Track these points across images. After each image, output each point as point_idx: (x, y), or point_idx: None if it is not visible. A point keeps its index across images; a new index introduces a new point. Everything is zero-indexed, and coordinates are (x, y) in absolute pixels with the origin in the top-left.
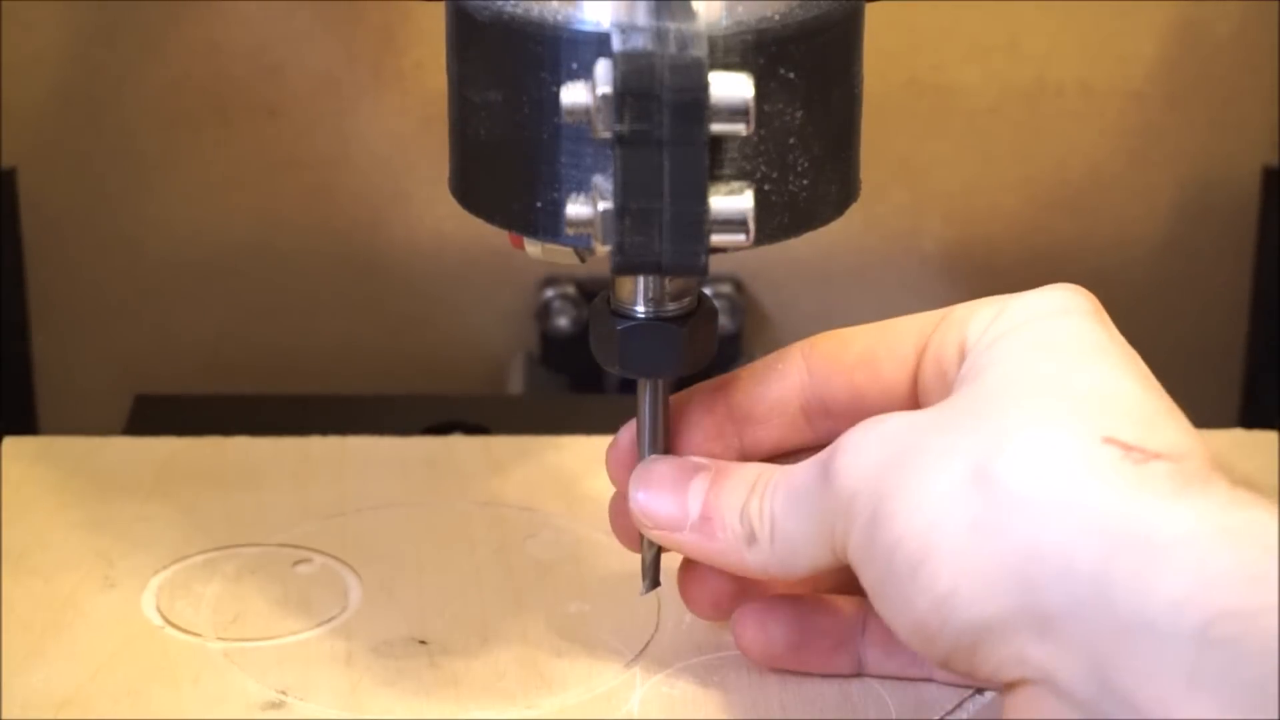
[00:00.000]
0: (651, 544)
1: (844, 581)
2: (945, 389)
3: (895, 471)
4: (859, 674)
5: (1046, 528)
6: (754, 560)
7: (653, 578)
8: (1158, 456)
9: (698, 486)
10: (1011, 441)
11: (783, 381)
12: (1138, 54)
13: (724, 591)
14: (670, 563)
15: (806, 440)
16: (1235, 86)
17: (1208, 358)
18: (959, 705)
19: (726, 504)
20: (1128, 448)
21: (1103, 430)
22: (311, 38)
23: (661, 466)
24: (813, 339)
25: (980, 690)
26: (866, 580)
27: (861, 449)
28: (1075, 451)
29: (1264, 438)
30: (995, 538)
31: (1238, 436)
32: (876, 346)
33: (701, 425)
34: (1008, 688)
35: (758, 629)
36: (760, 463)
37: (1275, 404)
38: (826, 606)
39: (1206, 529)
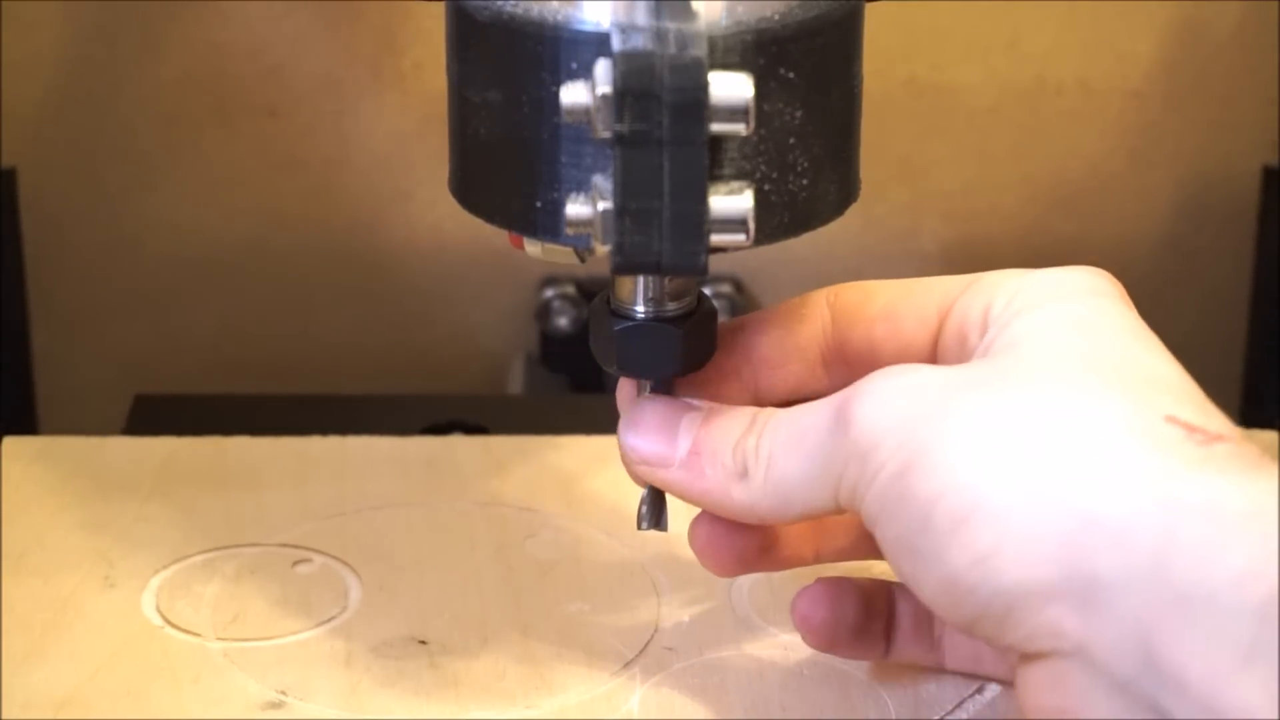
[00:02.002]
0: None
1: (828, 531)
2: (965, 354)
3: (931, 424)
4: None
5: (1106, 496)
6: (742, 498)
7: (653, 516)
8: (1220, 438)
9: (688, 424)
10: (1070, 410)
11: (804, 326)
12: (1138, 54)
13: (738, 544)
14: (672, 551)
15: (822, 387)
16: (1235, 86)
17: (1208, 358)
18: (959, 705)
19: (719, 440)
20: (1190, 428)
21: (1163, 409)
22: (311, 38)
23: (653, 405)
24: (837, 287)
25: (980, 690)
26: (888, 533)
27: (886, 398)
28: (1138, 426)
29: (1264, 438)
30: (1048, 501)
31: None
32: (900, 303)
33: (717, 365)
34: (1030, 658)
35: (829, 609)
36: (754, 407)
37: (1275, 404)
38: (870, 590)
39: (1272, 506)
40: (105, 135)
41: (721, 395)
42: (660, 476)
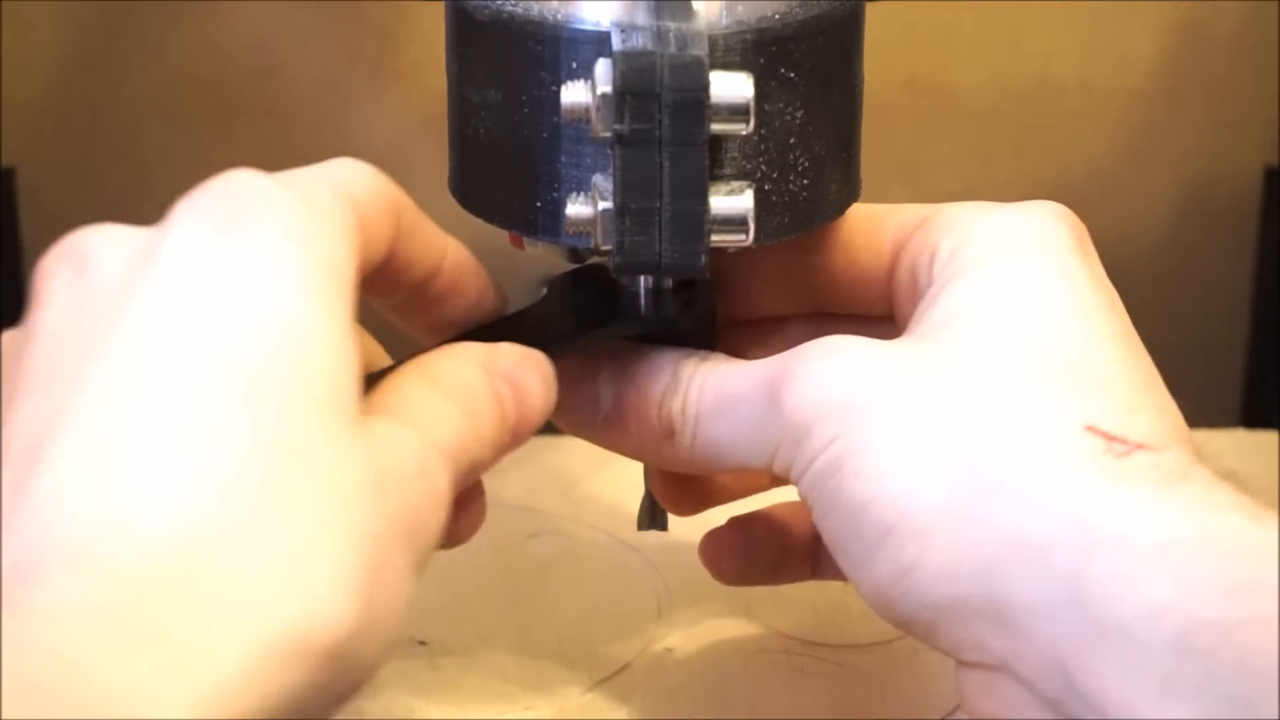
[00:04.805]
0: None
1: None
2: (915, 294)
3: (863, 423)
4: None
5: (1024, 519)
6: (673, 453)
7: (653, 516)
8: (1140, 447)
9: (607, 379)
10: (995, 421)
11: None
12: (1138, 53)
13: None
14: (672, 551)
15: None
16: (1236, 86)
17: (1208, 357)
18: (959, 705)
19: (641, 399)
20: (1110, 438)
21: (1085, 416)
22: (311, 38)
23: (568, 360)
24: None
25: None
26: (823, 525)
27: (819, 383)
28: (1057, 441)
29: (1264, 438)
30: (969, 521)
31: (1238, 436)
32: (856, 233)
33: (772, 282)
34: (965, 665)
35: (738, 556)
36: (674, 351)
37: (1275, 404)
38: (793, 522)
39: (1187, 533)
40: (105, 135)
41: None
42: (585, 434)
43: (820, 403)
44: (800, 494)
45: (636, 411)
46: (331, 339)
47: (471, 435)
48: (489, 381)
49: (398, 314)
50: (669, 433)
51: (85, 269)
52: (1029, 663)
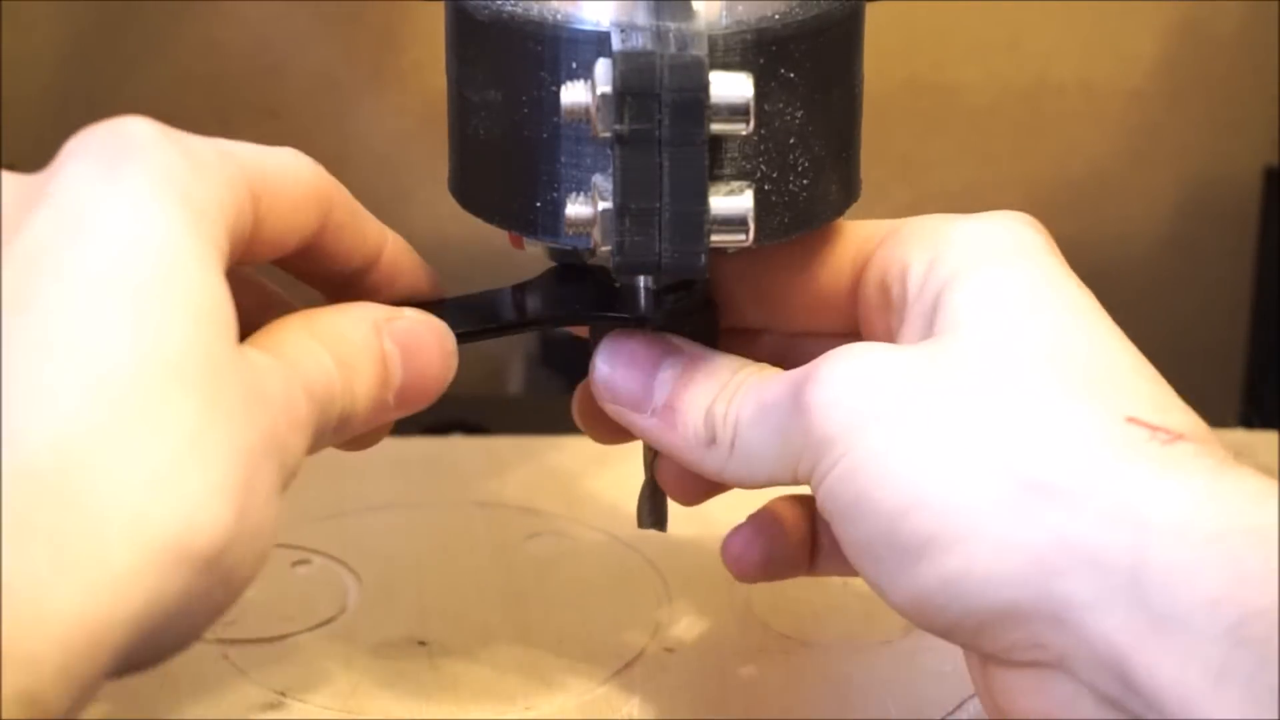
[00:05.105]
0: (649, 474)
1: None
2: (889, 305)
3: (888, 430)
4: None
5: (1074, 516)
6: (711, 462)
7: (653, 515)
8: (1181, 437)
9: (667, 372)
10: (1030, 420)
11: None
12: (1139, 53)
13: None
14: (672, 551)
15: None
16: (1236, 86)
17: (1208, 357)
18: (959, 705)
19: (692, 399)
20: (1153, 428)
21: (1122, 409)
22: (311, 38)
23: (633, 343)
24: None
25: None
26: (848, 534)
27: (839, 386)
28: (1101, 434)
29: (1265, 438)
30: (1016, 522)
31: (1238, 436)
32: (812, 253)
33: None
34: (1011, 665)
35: (761, 553)
36: (739, 360)
37: (1276, 404)
38: (787, 512)
39: (1241, 523)
40: None
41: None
42: (634, 421)
43: (840, 408)
44: (819, 501)
45: (685, 412)
46: (204, 269)
47: (343, 386)
48: (376, 339)
49: (334, 302)
50: (711, 439)
51: None
52: (1085, 660)
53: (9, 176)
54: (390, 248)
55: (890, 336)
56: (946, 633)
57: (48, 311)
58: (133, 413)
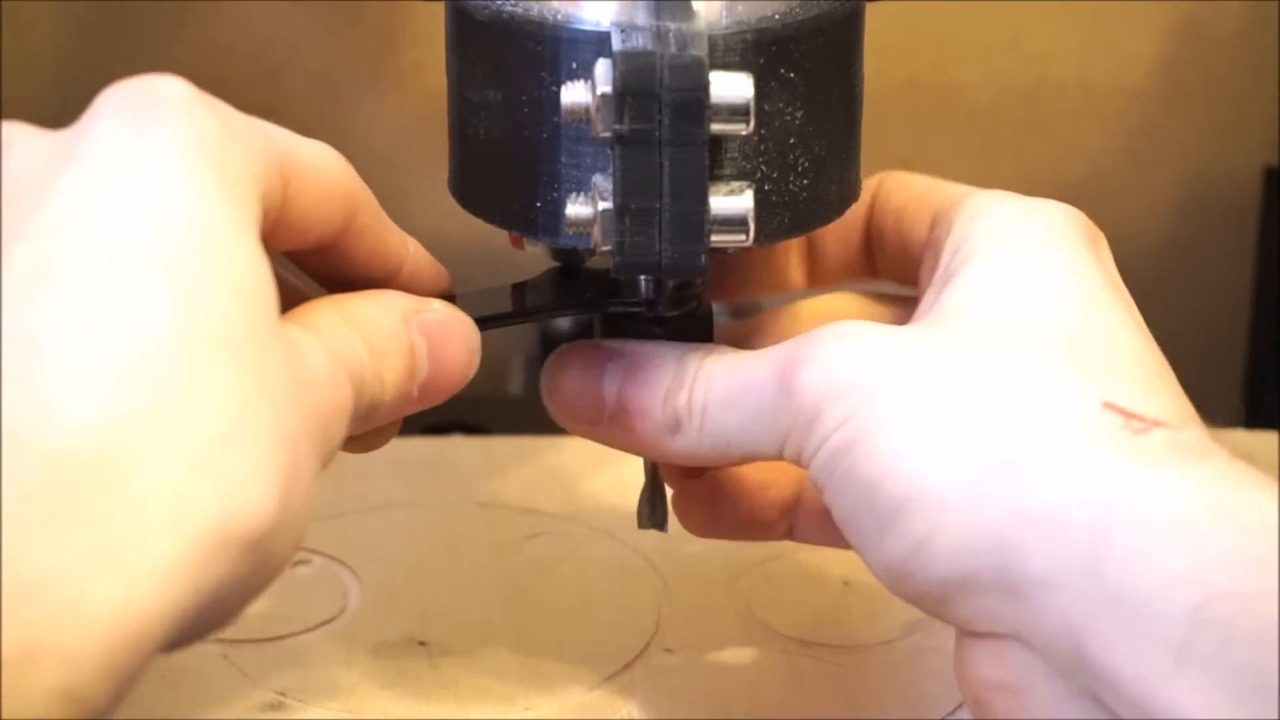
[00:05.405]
0: (649, 475)
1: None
2: (933, 273)
3: (877, 402)
4: (787, 538)
5: (1038, 493)
6: (680, 447)
7: (653, 515)
8: (1157, 424)
9: (611, 377)
10: (1009, 400)
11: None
12: (1138, 53)
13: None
14: (672, 551)
15: (863, 272)
16: (1236, 86)
17: (1208, 357)
18: (959, 705)
19: (646, 395)
20: (1127, 415)
21: (1102, 394)
22: (311, 38)
23: (572, 356)
24: (883, 174)
25: None
26: (835, 504)
27: (832, 365)
28: (1074, 417)
29: (1265, 438)
30: (982, 496)
31: (1238, 436)
32: (910, 204)
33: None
34: (972, 635)
35: (705, 509)
36: (685, 346)
37: (1276, 404)
38: (766, 481)
39: (1205, 507)
40: None
41: (781, 272)
42: (587, 432)
43: (832, 385)
44: (811, 476)
45: (641, 407)
46: (241, 239)
47: (374, 374)
48: (405, 330)
49: None
50: (674, 426)
51: (4, 160)
52: (1041, 634)
53: (33, 132)
54: (410, 264)
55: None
56: (917, 600)
57: (84, 284)
58: (176, 393)
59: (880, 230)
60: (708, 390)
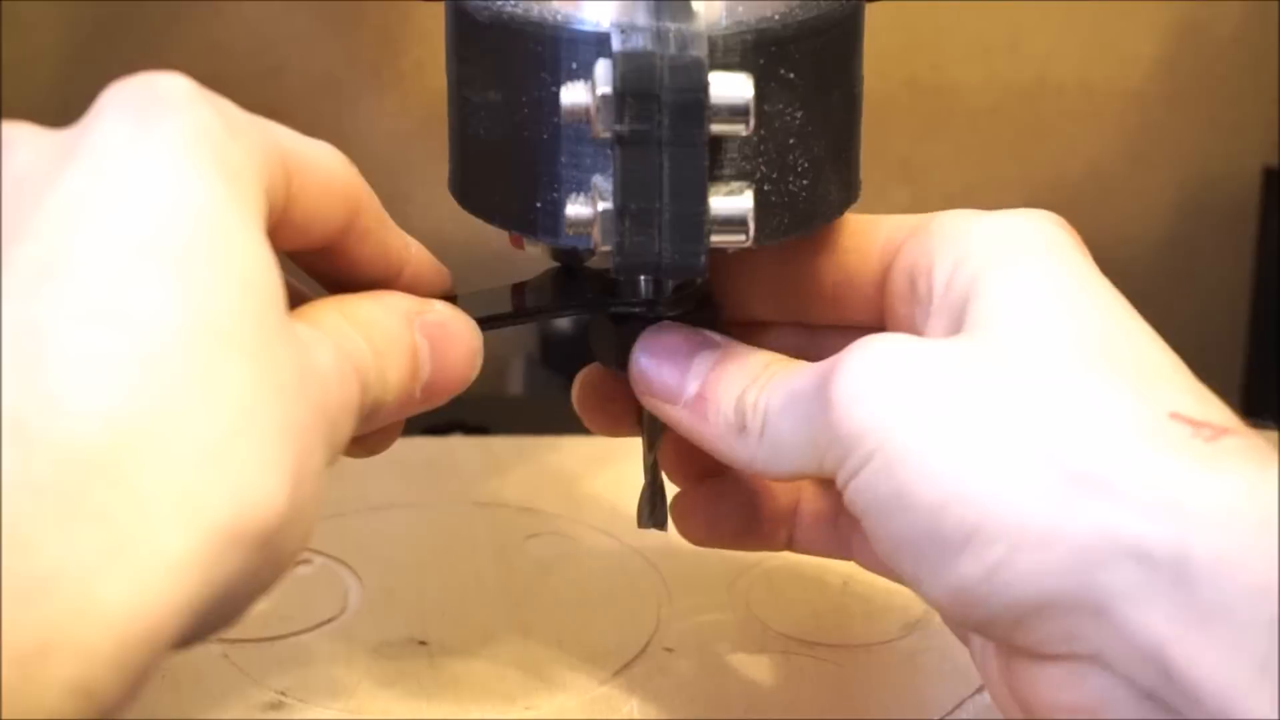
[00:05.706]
0: (649, 475)
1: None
2: (916, 299)
3: (922, 423)
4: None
5: (1117, 509)
6: (742, 451)
7: (653, 515)
8: (1225, 431)
9: (700, 363)
10: (1076, 414)
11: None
12: (1138, 54)
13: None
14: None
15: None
16: (1235, 86)
17: (1207, 358)
18: (959, 705)
19: (724, 388)
20: (1195, 423)
21: (1165, 404)
22: (311, 38)
23: (670, 335)
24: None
25: (981, 690)
26: (881, 529)
27: (868, 379)
28: (1145, 428)
29: (1264, 438)
30: (1059, 515)
31: None
32: (844, 241)
33: (771, 292)
34: (1045, 659)
35: (705, 515)
36: (770, 354)
37: (1275, 403)
38: (765, 490)
39: None
40: None
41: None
42: (665, 411)
43: (869, 400)
44: (847, 497)
45: (717, 401)
46: (247, 234)
47: (376, 374)
48: (407, 331)
49: None
50: (741, 427)
51: (5, 158)
52: (1124, 653)
53: (35, 131)
54: (412, 266)
55: (916, 331)
56: (984, 626)
57: (92, 278)
58: (185, 387)
59: (811, 269)
60: (771, 395)
